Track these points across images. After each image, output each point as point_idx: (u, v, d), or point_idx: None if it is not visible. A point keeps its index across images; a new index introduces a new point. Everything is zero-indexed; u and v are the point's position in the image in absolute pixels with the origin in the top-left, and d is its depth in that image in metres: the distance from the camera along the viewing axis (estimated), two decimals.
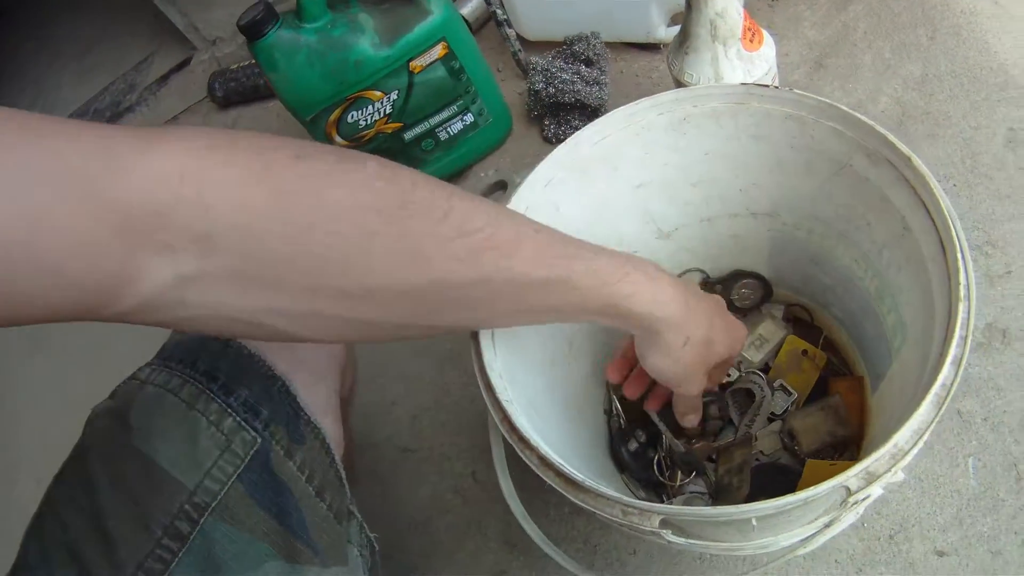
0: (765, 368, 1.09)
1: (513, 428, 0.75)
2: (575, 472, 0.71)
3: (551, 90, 1.49)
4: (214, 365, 0.78)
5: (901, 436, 0.65)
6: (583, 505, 0.70)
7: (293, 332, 0.62)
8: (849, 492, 0.65)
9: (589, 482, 0.69)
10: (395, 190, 0.59)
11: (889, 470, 0.65)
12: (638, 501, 0.67)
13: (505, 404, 0.77)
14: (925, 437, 0.65)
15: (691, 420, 0.95)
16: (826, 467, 0.95)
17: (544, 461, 0.72)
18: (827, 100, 0.85)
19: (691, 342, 0.79)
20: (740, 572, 1.04)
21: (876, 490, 0.66)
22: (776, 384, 1.05)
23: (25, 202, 0.45)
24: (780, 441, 1.02)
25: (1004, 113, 1.26)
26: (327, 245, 0.56)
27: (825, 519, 0.75)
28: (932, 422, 0.65)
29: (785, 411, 1.04)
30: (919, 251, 0.80)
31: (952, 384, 0.67)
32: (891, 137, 0.81)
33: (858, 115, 0.83)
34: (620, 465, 1.06)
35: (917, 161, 0.78)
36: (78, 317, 0.51)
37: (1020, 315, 1.09)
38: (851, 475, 0.64)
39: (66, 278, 0.48)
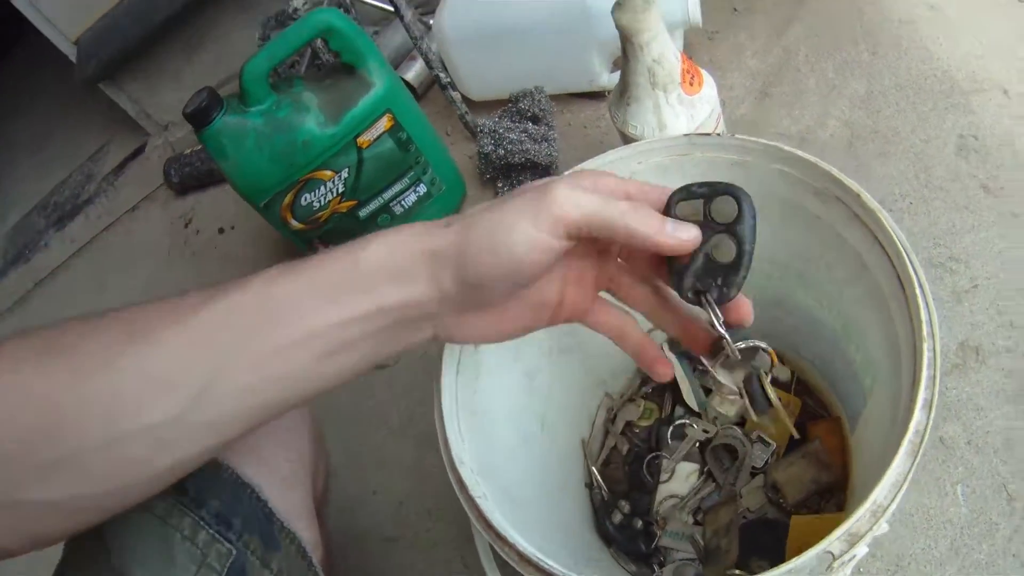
0: (740, 421, 1.07)
1: (489, 526, 0.73)
2: (556, 567, 0.69)
3: (501, 152, 1.49)
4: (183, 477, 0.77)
5: (879, 492, 0.64)
6: None
7: None
8: (834, 557, 0.64)
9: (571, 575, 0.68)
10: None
11: (871, 528, 0.63)
12: None
13: (479, 501, 0.75)
14: (904, 488, 0.64)
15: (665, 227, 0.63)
16: (810, 522, 0.93)
17: (523, 557, 0.71)
18: (770, 143, 0.85)
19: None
20: None
21: (862, 549, 0.65)
22: (754, 436, 1.03)
23: None
24: (764, 495, 1.01)
25: (953, 121, 1.26)
26: None
27: None
28: (909, 471, 0.64)
29: (766, 463, 1.02)
30: (879, 288, 0.79)
31: (925, 429, 0.65)
32: (837, 173, 0.80)
33: (801, 154, 0.83)
34: (607, 539, 1.04)
35: (867, 197, 0.78)
36: None
37: (992, 329, 1.07)
38: (834, 539, 0.63)
39: None
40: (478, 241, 0.60)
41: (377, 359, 0.65)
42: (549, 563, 0.70)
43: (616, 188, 0.65)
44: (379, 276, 0.61)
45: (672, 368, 0.74)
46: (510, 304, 0.67)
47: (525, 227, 0.59)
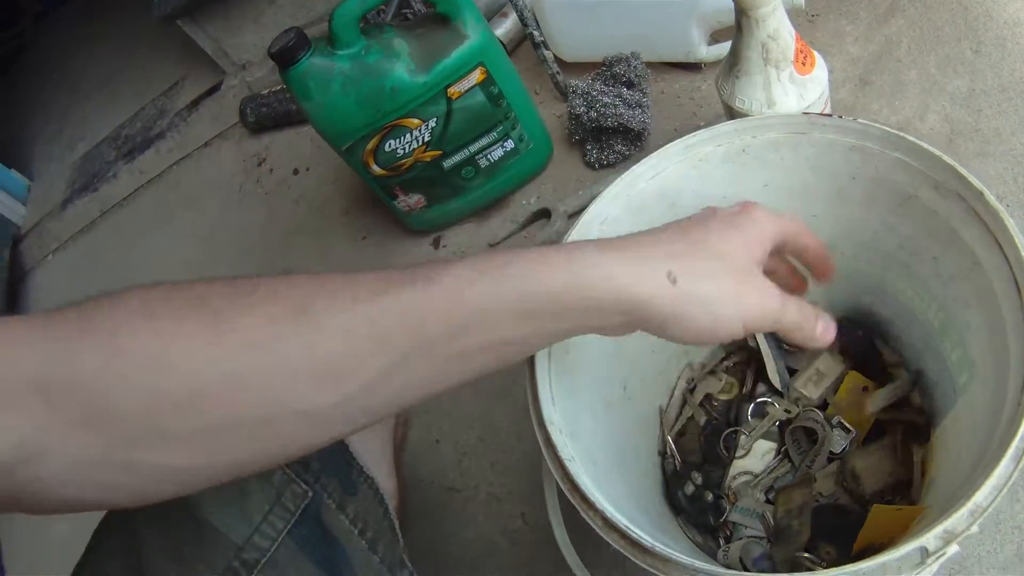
0: (823, 405, 1.06)
1: (575, 488, 0.73)
2: (642, 535, 0.68)
3: (593, 114, 1.46)
4: None
5: (981, 494, 0.63)
6: (650, 570, 0.67)
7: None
8: (927, 553, 0.63)
9: (659, 547, 0.67)
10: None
11: (968, 527, 0.62)
12: (709, 567, 0.64)
13: (567, 463, 0.74)
14: (1003, 492, 0.63)
15: (816, 332, 0.72)
16: (892, 512, 0.91)
17: (608, 523, 0.70)
18: (894, 130, 0.83)
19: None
20: None
21: (953, 548, 0.64)
22: (834, 421, 1.01)
23: None
24: (839, 482, 0.99)
25: None
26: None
27: None
28: (1012, 476, 0.63)
29: (844, 450, 1.00)
30: (990, 287, 0.77)
31: None
32: (961, 169, 0.78)
33: (926, 146, 0.81)
34: (676, 508, 1.03)
35: (989, 196, 0.76)
36: None
37: None
38: (930, 536, 0.62)
39: None
40: (691, 319, 0.64)
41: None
42: (634, 530, 0.69)
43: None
44: (579, 307, 0.61)
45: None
46: None
47: (738, 326, 0.65)
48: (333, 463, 0.78)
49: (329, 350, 0.54)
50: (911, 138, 0.82)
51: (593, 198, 0.93)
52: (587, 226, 0.90)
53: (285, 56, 1.26)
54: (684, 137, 0.91)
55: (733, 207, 0.70)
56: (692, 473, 1.03)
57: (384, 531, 0.80)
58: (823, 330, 0.72)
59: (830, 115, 0.86)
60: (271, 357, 0.53)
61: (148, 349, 0.51)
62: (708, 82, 1.53)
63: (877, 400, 0.99)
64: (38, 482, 0.51)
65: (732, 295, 0.65)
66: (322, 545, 0.74)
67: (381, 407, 0.60)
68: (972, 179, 0.77)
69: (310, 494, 0.74)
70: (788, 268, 0.83)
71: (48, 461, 0.50)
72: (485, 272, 0.58)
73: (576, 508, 0.72)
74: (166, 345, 0.52)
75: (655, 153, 0.92)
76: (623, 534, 0.69)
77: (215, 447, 0.54)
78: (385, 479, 0.83)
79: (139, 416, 0.52)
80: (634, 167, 0.92)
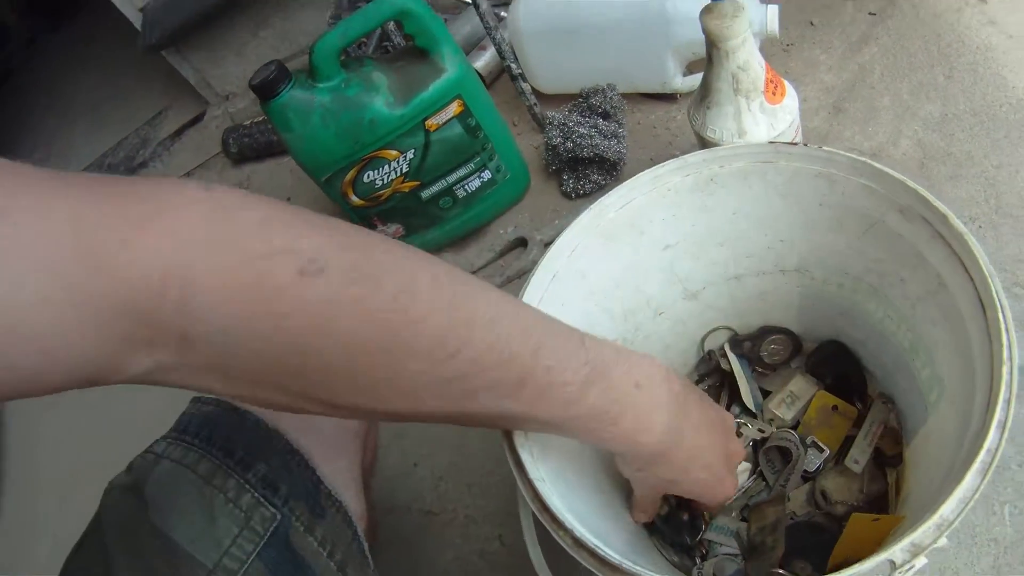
0: (796, 425, 1.07)
1: (545, 508, 0.74)
2: (611, 553, 0.69)
3: (569, 145, 1.48)
4: (231, 439, 0.77)
5: (947, 507, 0.64)
6: None
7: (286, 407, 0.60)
8: (894, 566, 0.64)
9: (626, 563, 0.67)
10: (402, 320, 0.56)
11: (935, 541, 0.64)
12: None
13: (536, 483, 0.75)
14: (970, 505, 0.64)
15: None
16: (869, 522, 0.92)
17: (578, 542, 0.71)
18: (859, 157, 0.84)
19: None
20: None
21: (921, 560, 0.65)
22: (808, 441, 1.02)
23: (13, 294, 0.43)
24: (812, 501, 1.00)
25: None
26: (317, 369, 0.55)
27: None
28: (978, 489, 0.64)
29: (818, 469, 1.01)
30: (956, 308, 0.79)
31: (997, 449, 0.65)
32: (925, 193, 0.80)
33: (891, 172, 0.82)
34: (649, 528, 1.03)
35: (953, 219, 0.77)
36: (76, 387, 0.49)
37: None
38: (897, 549, 0.63)
39: (56, 363, 0.46)
40: (682, 471, 0.78)
41: None
42: (604, 550, 0.70)
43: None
44: (594, 409, 0.69)
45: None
46: None
47: (714, 493, 0.82)
48: (301, 486, 0.78)
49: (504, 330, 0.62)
50: (876, 164, 0.83)
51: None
52: (557, 256, 0.92)
53: (266, 88, 1.28)
54: (653, 168, 0.93)
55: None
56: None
57: (353, 553, 0.80)
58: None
59: (796, 144, 0.88)
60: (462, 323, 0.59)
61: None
62: (683, 112, 1.54)
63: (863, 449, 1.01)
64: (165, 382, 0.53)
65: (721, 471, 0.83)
66: (291, 568, 0.74)
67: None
68: (936, 203, 0.79)
69: (278, 517, 0.75)
70: None
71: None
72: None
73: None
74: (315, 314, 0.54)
75: (624, 184, 0.93)
76: (592, 552, 0.69)
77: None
78: (353, 501, 0.83)
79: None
80: (602, 198, 0.93)
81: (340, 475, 0.83)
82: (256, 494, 0.75)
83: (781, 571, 0.94)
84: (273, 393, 0.56)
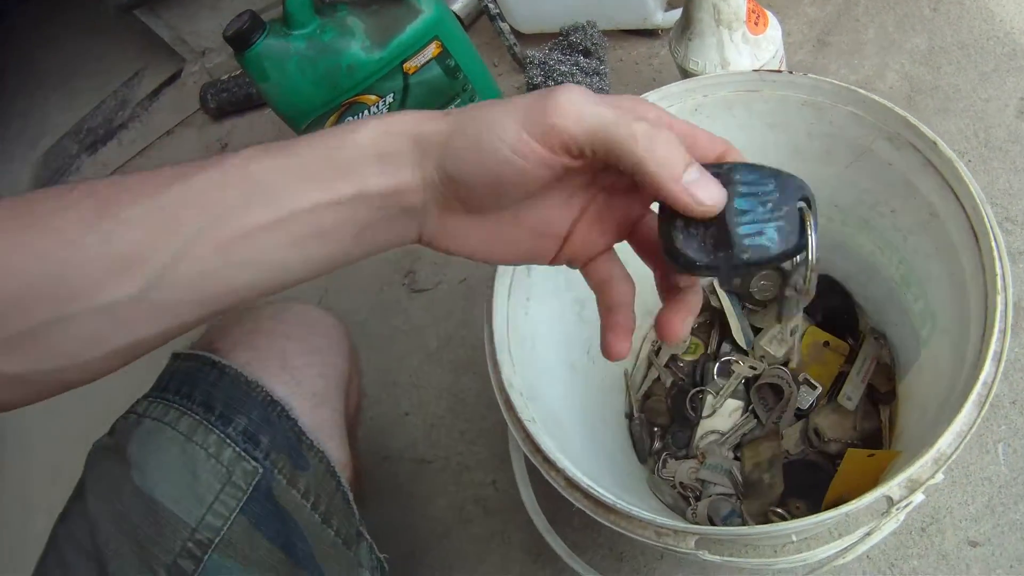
0: (786, 362, 1.06)
1: (537, 449, 0.73)
2: (604, 493, 0.68)
3: (550, 83, 1.46)
4: (210, 394, 0.76)
5: (944, 441, 0.63)
6: (614, 528, 0.67)
7: None
8: (892, 502, 0.63)
9: (620, 503, 0.67)
10: None
11: (932, 476, 0.63)
12: (672, 522, 0.64)
13: (527, 424, 0.74)
14: (967, 439, 0.63)
15: (692, 191, 0.50)
16: (864, 458, 0.92)
17: (571, 483, 0.70)
18: (845, 84, 0.82)
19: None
20: None
21: (918, 496, 0.64)
22: (800, 378, 1.02)
23: None
24: (805, 439, 1.00)
25: (1014, 83, 1.23)
26: None
27: (865, 528, 0.72)
28: (975, 423, 0.64)
29: (811, 406, 1.01)
30: (948, 238, 0.78)
31: (993, 382, 0.65)
32: (914, 120, 0.79)
33: (878, 98, 0.81)
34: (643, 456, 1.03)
35: (944, 146, 0.76)
36: None
37: None
38: (894, 484, 0.63)
39: None
40: (464, 132, 0.53)
41: (351, 255, 0.58)
42: (597, 489, 0.69)
43: (656, 119, 0.54)
44: (365, 159, 0.54)
45: (626, 348, 0.60)
46: (504, 220, 0.58)
47: (513, 128, 0.51)
48: (283, 438, 0.77)
49: (122, 241, 0.52)
50: (861, 91, 0.81)
51: None
52: None
53: (240, 39, 1.26)
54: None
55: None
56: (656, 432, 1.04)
57: (338, 504, 0.80)
58: (693, 176, 0.50)
59: (780, 71, 0.86)
60: (76, 253, 0.51)
61: None
62: (666, 48, 1.50)
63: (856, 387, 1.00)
64: None
65: (523, 105, 0.52)
66: (275, 521, 0.74)
67: (182, 302, 0.55)
68: (925, 129, 0.77)
69: (260, 471, 0.74)
70: None
71: None
72: (272, 147, 0.54)
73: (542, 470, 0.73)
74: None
75: None
76: (586, 493, 0.69)
77: (43, 352, 0.53)
78: (337, 451, 0.82)
79: None
80: None
81: (323, 425, 0.82)
82: (237, 448, 0.73)
83: (779, 510, 0.93)
84: None
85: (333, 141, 0.54)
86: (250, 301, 0.57)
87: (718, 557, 0.69)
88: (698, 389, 1.08)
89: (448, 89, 1.42)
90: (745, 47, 1.09)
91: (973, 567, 0.93)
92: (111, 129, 2.42)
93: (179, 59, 2.40)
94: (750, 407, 1.05)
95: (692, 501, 1.01)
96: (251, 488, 0.73)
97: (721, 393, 1.05)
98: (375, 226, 0.56)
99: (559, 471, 0.71)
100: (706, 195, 0.50)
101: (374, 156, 0.54)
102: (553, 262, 0.62)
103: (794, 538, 0.69)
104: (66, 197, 0.53)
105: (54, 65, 2.92)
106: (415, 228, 0.58)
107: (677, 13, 1.44)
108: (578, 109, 0.49)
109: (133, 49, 2.60)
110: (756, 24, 1.09)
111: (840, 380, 1.02)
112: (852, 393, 0.98)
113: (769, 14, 1.13)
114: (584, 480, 0.69)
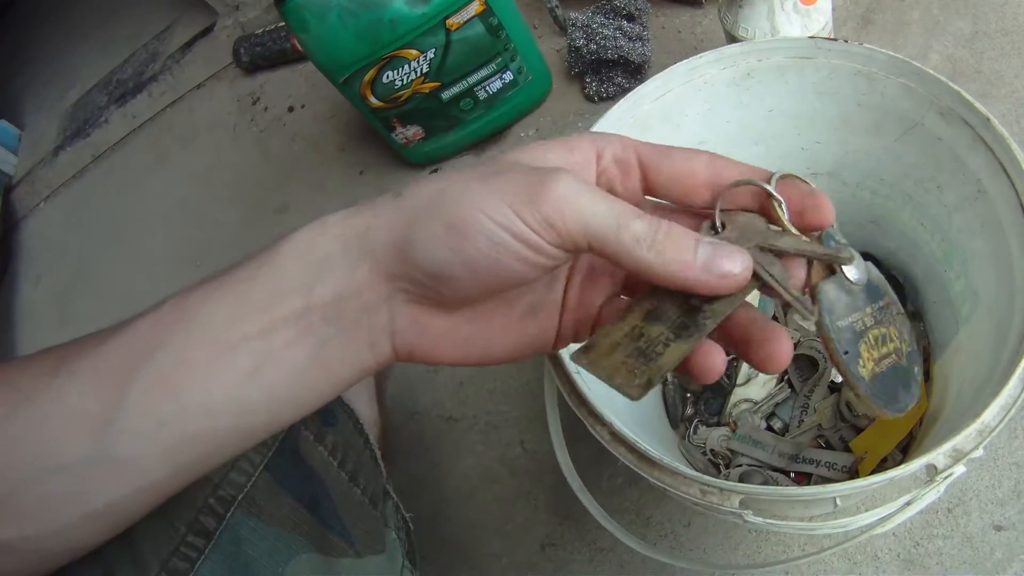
0: None
1: (583, 401, 0.73)
2: (649, 449, 0.68)
3: (592, 47, 1.45)
4: None
5: (989, 413, 0.63)
6: (658, 483, 0.67)
7: None
8: (936, 471, 0.63)
9: (666, 460, 0.67)
10: None
11: (976, 447, 0.63)
12: (718, 480, 0.65)
13: (574, 375, 0.74)
14: (1011, 413, 0.63)
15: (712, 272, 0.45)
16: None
17: (616, 436, 0.70)
18: (899, 55, 0.82)
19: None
20: (796, 547, 1.01)
21: (960, 468, 0.64)
22: None
23: None
24: (837, 413, 1.00)
25: None
26: None
27: (907, 497, 0.73)
28: (1019, 396, 0.64)
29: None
30: (996, 216, 0.77)
31: None
32: (967, 95, 0.78)
33: (931, 71, 0.80)
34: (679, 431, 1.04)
35: (996, 123, 0.75)
36: None
37: None
38: (939, 453, 0.63)
39: None
40: (436, 217, 0.47)
41: (317, 386, 0.52)
42: (643, 444, 0.69)
43: (623, 149, 0.52)
44: (300, 269, 0.50)
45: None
46: (493, 306, 0.53)
47: (503, 210, 0.45)
48: None
49: (74, 395, 0.51)
50: (916, 63, 0.81)
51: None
52: None
53: None
54: (690, 58, 0.90)
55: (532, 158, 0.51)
56: (689, 397, 1.04)
57: (365, 462, 0.79)
58: (706, 257, 0.46)
59: (835, 39, 0.86)
60: (33, 411, 0.51)
61: None
62: (709, 17, 1.52)
63: None
64: None
65: (516, 186, 0.46)
66: (300, 479, 0.72)
67: (144, 456, 0.52)
68: (978, 105, 0.77)
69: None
70: None
71: None
72: (207, 278, 0.52)
73: (577, 432, 0.72)
74: None
75: (661, 73, 0.90)
76: (631, 447, 0.69)
77: (17, 517, 0.52)
78: (365, 408, 0.81)
79: None
80: (640, 87, 0.90)
81: None
82: None
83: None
84: None
85: (264, 257, 0.51)
86: (223, 456, 0.54)
87: (760, 519, 0.69)
88: (733, 356, 1.07)
89: (490, 48, 1.41)
90: (796, 16, 1.08)
91: (997, 551, 0.93)
92: (141, 81, 2.41)
93: (212, 12, 2.38)
94: (785, 376, 1.05)
95: (723, 468, 1.01)
96: (277, 444, 0.71)
97: None
98: (331, 343, 0.51)
99: (604, 424, 0.71)
100: (729, 266, 0.45)
101: (311, 263, 0.50)
102: (557, 342, 0.56)
103: (838, 502, 0.69)
104: (32, 356, 0.53)
105: (88, 15, 2.91)
106: (383, 340, 0.52)
107: None
108: (574, 207, 0.44)
109: (166, 2, 2.59)
110: None
111: None
112: None
113: None
114: (629, 434, 0.69)
